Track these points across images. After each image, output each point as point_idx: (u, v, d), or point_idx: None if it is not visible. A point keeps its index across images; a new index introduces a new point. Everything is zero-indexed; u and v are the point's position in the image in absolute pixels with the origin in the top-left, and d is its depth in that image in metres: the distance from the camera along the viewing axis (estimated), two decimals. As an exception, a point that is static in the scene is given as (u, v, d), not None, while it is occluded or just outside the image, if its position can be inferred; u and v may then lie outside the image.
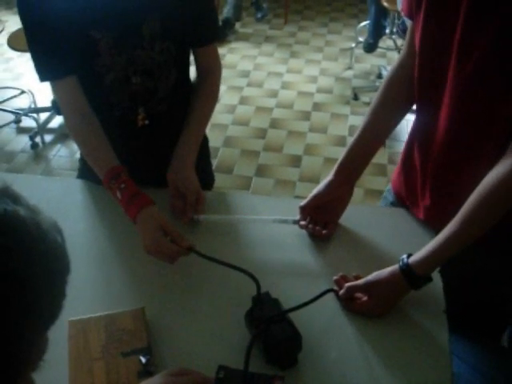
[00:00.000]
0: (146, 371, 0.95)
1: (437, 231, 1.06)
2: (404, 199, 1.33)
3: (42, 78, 1.24)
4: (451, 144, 1.11)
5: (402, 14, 1.16)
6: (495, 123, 1.01)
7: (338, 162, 1.26)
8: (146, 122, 1.34)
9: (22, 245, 0.52)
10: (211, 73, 1.40)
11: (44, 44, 1.19)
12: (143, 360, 0.96)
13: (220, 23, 4.46)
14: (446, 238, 1.01)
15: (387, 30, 4.04)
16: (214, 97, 1.41)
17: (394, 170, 1.41)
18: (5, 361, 0.52)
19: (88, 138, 1.27)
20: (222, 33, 4.52)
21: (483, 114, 1.02)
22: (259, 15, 4.98)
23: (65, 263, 0.59)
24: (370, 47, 4.08)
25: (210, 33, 1.36)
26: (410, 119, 1.26)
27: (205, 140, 1.51)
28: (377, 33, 3.99)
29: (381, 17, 3.90)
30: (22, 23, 1.17)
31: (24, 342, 0.53)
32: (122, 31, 1.20)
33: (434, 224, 1.21)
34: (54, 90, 1.27)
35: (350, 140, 1.27)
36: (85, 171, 1.41)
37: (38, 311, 0.54)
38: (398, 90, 1.22)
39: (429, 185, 1.20)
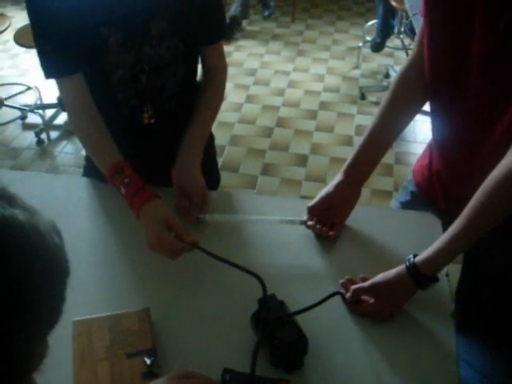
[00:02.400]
0: (151, 372, 0.94)
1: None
2: (426, 191, 1.32)
3: (48, 75, 1.23)
4: (468, 139, 1.10)
5: (420, 14, 1.14)
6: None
7: (347, 162, 1.25)
8: (152, 120, 1.34)
9: (21, 252, 0.51)
10: (217, 71, 1.40)
11: (51, 41, 1.19)
12: (148, 361, 0.95)
13: (227, 21, 4.45)
14: (452, 236, 1.00)
15: (395, 30, 4.02)
16: (220, 95, 1.40)
17: (415, 161, 1.40)
18: (5, 366, 0.51)
19: (91, 135, 1.26)
20: (228, 31, 4.51)
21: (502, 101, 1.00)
22: (266, 13, 4.97)
23: (64, 267, 0.57)
24: (378, 47, 4.05)
25: (217, 32, 1.36)
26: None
27: (211, 139, 1.51)
28: (384, 32, 3.97)
29: (389, 16, 3.88)
30: (30, 19, 1.17)
31: (24, 348, 0.52)
32: (130, 29, 1.19)
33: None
34: (59, 86, 1.27)
35: (359, 140, 1.26)
36: (90, 169, 1.41)
37: (38, 317, 0.53)
38: (408, 91, 1.21)
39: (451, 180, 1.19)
